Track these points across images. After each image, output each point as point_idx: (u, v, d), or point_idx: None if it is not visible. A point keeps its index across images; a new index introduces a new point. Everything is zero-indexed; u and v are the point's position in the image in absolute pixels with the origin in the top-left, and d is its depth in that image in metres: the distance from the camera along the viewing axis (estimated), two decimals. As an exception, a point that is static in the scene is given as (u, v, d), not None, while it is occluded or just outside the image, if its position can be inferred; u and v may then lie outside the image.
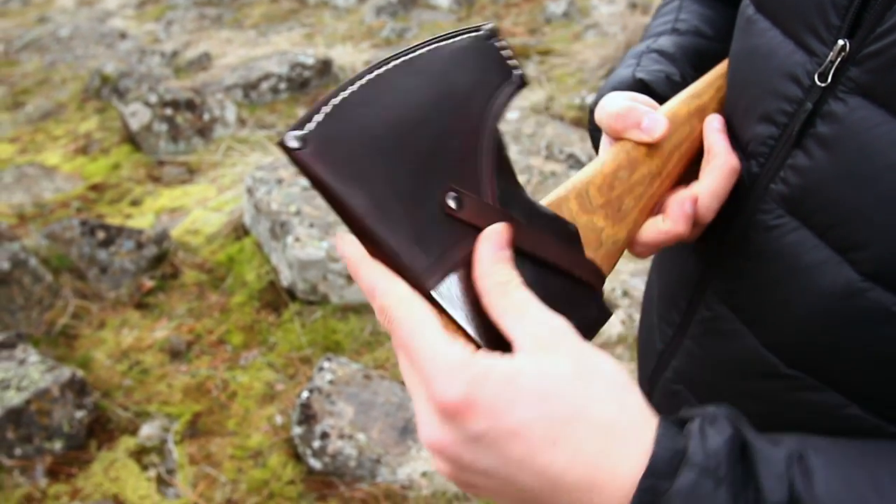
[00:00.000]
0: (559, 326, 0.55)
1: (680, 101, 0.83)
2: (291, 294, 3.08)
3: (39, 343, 2.89)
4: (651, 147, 0.77)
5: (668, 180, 0.78)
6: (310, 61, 5.11)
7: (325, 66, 5.14)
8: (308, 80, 5.05)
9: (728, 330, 0.82)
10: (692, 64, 0.93)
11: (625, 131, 0.77)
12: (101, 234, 3.28)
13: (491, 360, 0.52)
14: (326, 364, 2.60)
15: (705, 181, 0.77)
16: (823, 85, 0.69)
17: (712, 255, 0.87)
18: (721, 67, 0.89)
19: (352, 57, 5.53)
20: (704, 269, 0.88)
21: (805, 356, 0.73)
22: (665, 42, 0.96)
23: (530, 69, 5.17)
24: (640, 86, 0.88)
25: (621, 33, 5.43)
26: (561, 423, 0.51)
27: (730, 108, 0.87)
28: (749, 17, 0.82)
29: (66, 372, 2.55)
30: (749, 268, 0.81)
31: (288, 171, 3.43)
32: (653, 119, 0.76)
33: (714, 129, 0.79)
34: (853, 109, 0.66)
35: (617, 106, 0.78)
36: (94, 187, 4.16)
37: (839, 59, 0.67)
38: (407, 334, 0.53)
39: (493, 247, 0.57)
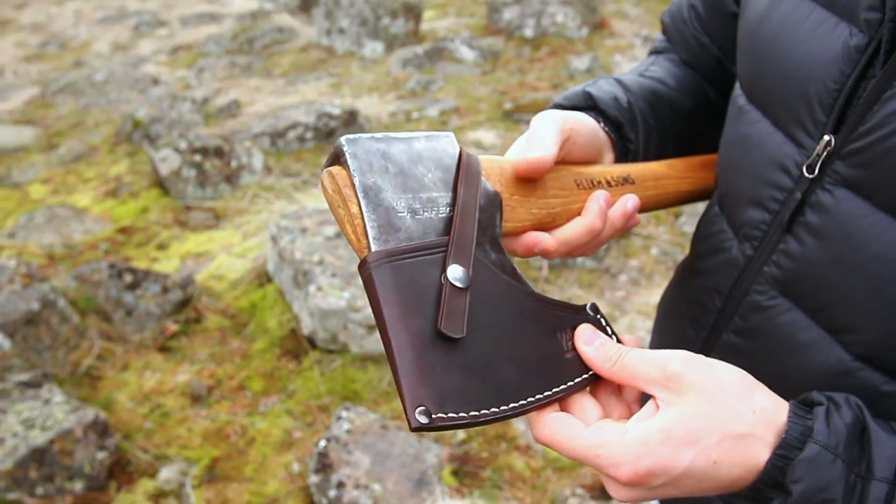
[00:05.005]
0: (672, 363, 0.65)
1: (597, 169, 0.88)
2: (312, 342, 3.13)
3: (64, 383, 2.95)
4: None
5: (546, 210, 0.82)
6: (336, 111, 5.22)
7: (350, 117, 5.25)
8: (334, 130, 5.16)
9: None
10: (646, 99, 0.99)
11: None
12: (128, 278, 3.35)
13: (641, 427, 0.64)
14: (344, 413, 2.63)
15: (566, 228, 0.82)
16: (811, 176, 0.74)
17: (710, 331, 0.91)
18: (661, 164, 0.96)
19: (377, 108, 5.65)
20: (703, 344, 0.92)
21: None
22: (628, 77, 1.03)
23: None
24: (587, 98, 0.94)
25: (643, 91, 5.51)
26: (714, 449, 0.62)
27: (723, 190, 0.93)
28: (741, 106, 0.88)
29: (89, 413, 2.60)
30: (746, 345, 0.85)
31: (311, 220, 3.50)
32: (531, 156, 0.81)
33: (595, 199, 0.83)
34: (840, 201, 0.71)
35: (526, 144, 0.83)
36: (123, 230, 4.25)
37: (825, 153, 0.73)
38: (568, 451, 0.66)
39: (588, 341, 0.71)
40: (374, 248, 0.64)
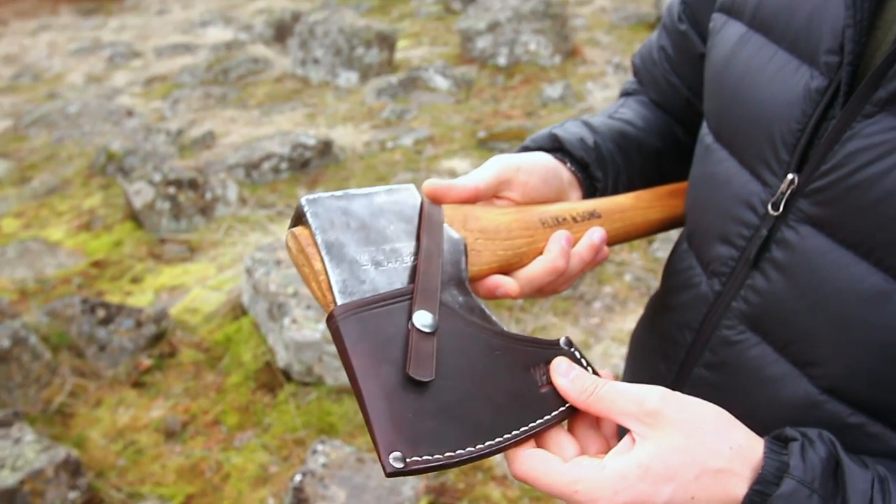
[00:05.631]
0: (649, 399, 0.66)
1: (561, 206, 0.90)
2: (287, 375, 3.12)
3: (35, 421, 2.91)
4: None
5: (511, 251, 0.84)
6: (311, 142, 5.24)
7: (325, 147, 5.27)
8: (309, 161, 5.17)
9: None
10: (614, 140, 1.01)
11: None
12: (101, 313, 3.33)
13: (619, 462, 0.64)
14: (320, 447, 2.62)
15: (529, 268, 0.83)
16: (776, 214, 0.76)
17: (681, 365, 0.92)
18: (627, 196, 0.98)
19: (352, 137, 5.67)
20: (674, 378, 0.94)
21: None
22: (596, 119, 1.06)
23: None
24: (553, 140, 0.96)
25: (615, 118, 5.58)
26: (692, 484, 0.63)
27: (691, 227, 0.95)
28: (708, 145, 0.90)
29: (61, 452, 2.57)
30: (716, 379, 0.87)
31: (286, 252, 3.50)
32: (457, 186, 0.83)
33: (556, 239, 0.84)
34: (804, 237, 0.73)
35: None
36: (96, 264, 4.23)
37: (789, 191, 0.75)
38: (546, 487, 0.66)
39: (564, 373, 0.71)
40: (339, 301, 0.65)
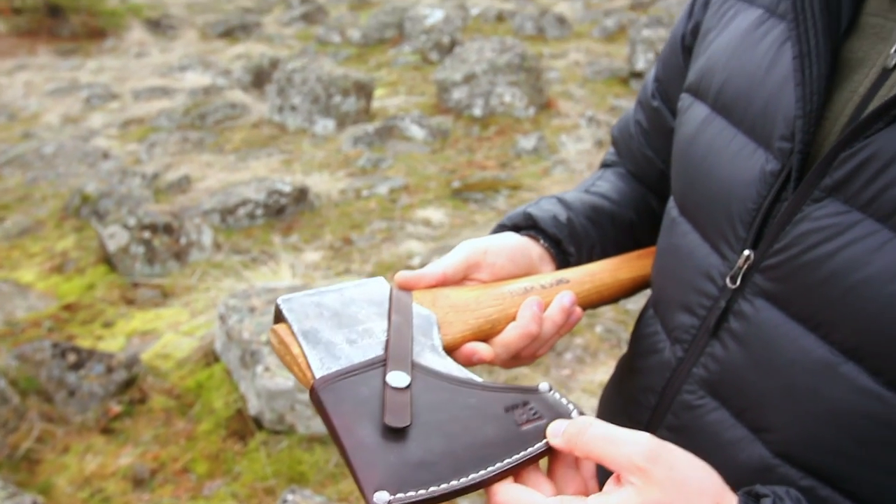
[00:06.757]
0: (637, 452, 0.67)
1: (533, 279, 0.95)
2: (258, 423, 3.12)
3: (1, 467, 2.88)
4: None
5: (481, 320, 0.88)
6: (287, 188, 5.28)
7: (301, 194, 5.31)
8: (284, 208, 5.21)
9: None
10: (587, 215, 1.06)
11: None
12: (71, 357, 3.31)
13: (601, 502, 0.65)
14: (290, 497, 2.61)
15: (503, 334, 0.87)
16: (734, 287, 0.81)
17: (646, 427, 0.97)
18: (601, 264, 1.04)
19: (328, 185, 5.72)
20: None
21: None
22: (571, 194, 1.11)
23: (500, 203, 5.38)
24: (527, 218, 1.02)
25: (587, 170, 5.70)
26: None
27: (657, 295, 1.00)
28: (674, 218, 0.95)
29: (26, 499, 2.54)
30: (678, 441, 0.90)
31: (260, 299, 3.51)
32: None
33: (528, 304, 0.89)
34: (759, 310, 0.78)
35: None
36: (68, 307, 4.21)
37: (746, 266, 0.80)
38: None
39: (555, 433, 0.72)
40: (317, 375, 0.70)
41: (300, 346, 0.74)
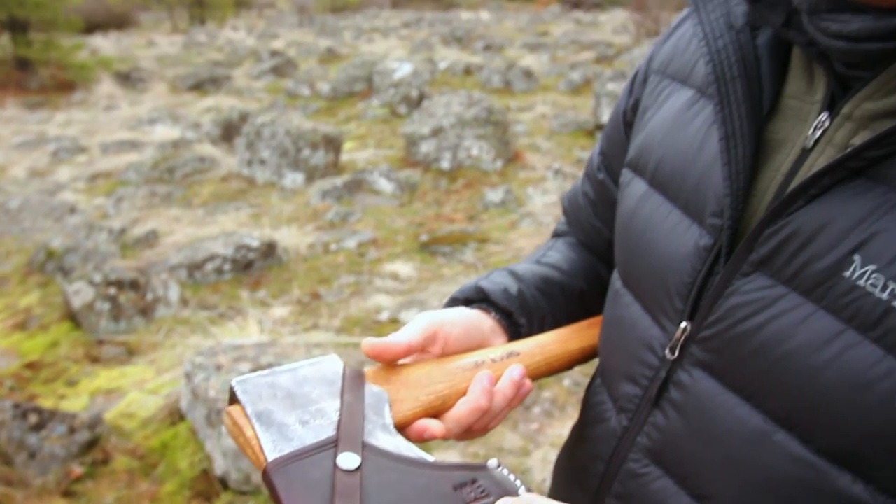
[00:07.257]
0: None
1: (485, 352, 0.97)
2: (224, 483, 3.08)
3: (-42, 534, 2.81)
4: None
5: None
6: (255, 243, 5.28)
7: (269, 249, 5.31)
8: (252, 262, 5.20)
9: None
10: (537, 286, 1.09)
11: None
12: (33, 418, 3.26)
13: None
14: (255, 560, 2.58)
15: (454, 409, 0.89)
16: (673, 357, 0.85)
17: (595, 494, 0.99)
18: (551, 335, 1.06)
19: (296, 239, 5.73)
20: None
21: None
22: (522, 266, 1.14)
23: (468, 256, 5.42)
24: (479, 292, 1.04)
25: (554, 223, 5.78)
26: None
27: (603, 364, 1.03)
28: (617, 289, 0.99)
29: (-16, 568, 2.48)
30: None
31: (227, 356, 3.49)
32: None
33: (478, 379, 0.91)
34: (697, 380, 0.81)
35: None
36: (30, 365, 4.15)
37: (683, 338, 0.83)
38: None
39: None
40: (269, 458, 0.71)
41: (253, 428, 0.75)
